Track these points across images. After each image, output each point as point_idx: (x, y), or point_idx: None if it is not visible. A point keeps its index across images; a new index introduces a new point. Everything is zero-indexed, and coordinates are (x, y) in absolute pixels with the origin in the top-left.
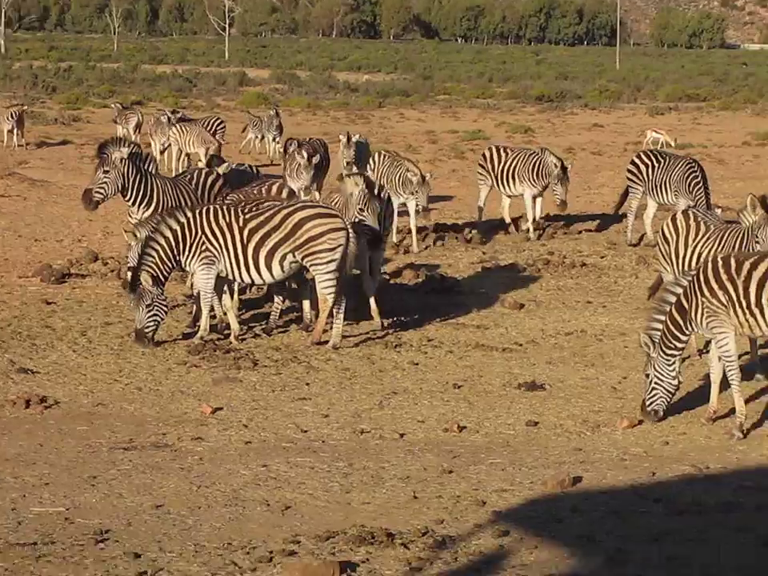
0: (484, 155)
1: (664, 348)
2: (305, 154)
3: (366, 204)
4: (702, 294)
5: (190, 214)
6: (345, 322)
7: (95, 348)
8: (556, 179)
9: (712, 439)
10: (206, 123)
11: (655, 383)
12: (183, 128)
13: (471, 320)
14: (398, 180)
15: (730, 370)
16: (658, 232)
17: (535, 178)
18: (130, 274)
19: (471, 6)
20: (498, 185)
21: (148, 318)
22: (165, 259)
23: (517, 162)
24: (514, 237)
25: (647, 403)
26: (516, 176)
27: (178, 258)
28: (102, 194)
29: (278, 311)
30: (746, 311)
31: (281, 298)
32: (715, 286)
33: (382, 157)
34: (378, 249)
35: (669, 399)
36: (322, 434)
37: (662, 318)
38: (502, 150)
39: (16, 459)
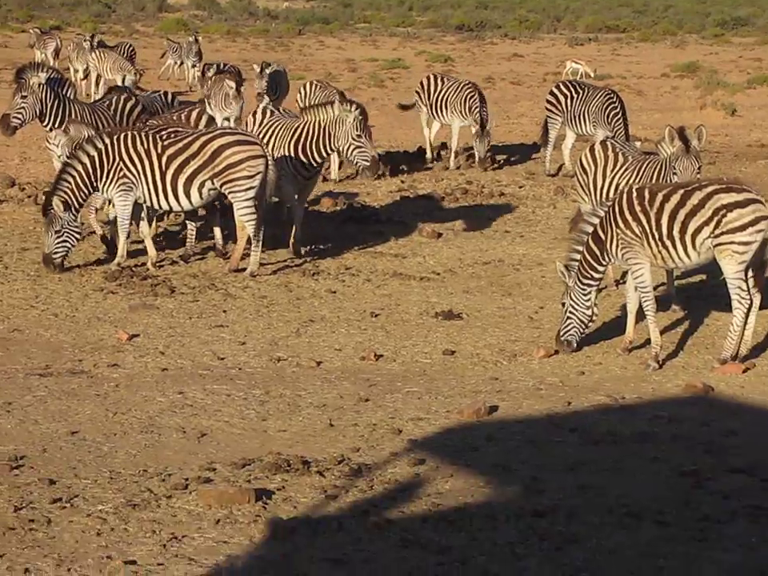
0: (421, 83)
1: (581, 278)
2: (233, 84)
3: (363, 130)
4: (616, 225)
5: (107, 140)
6: (263, 249)
7: (11, 274)
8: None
9: (627, 369)
10: (120, 49)
11: (570, 313)
12: (102, 54)
13: (389, 249)
14: None
15: (645, 301)
16: (576, 162)
17: (467, 110)
18: (44, 198)
19: None
20: (431, 113)
21: (57, 243)
22: (81, 185)
23: (449, 93)
24: (433, 165)
25: (561, 333)
26: (448, 105)
27: (95, 184)
28: (19, 119)
29: (194, 237)
30: (659, 243)
31: (194, 224)
32: (629, 218)
33: (313, 86)
34: (373, 175)
35: (583, 330)
36: (239, 361)
37: (580, 248)
38: (438, 79)
39: None
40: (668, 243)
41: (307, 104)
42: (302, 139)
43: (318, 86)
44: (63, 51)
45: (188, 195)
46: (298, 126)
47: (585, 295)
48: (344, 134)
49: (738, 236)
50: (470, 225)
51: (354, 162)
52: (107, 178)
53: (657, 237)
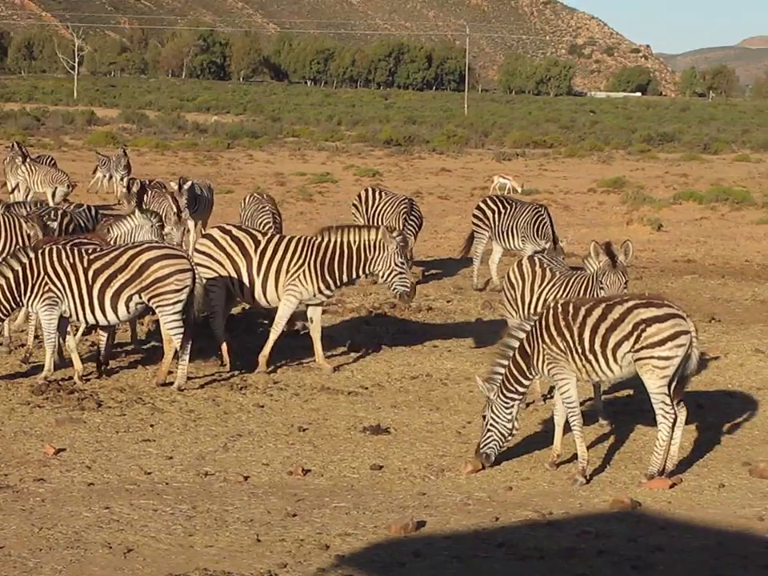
0: (359, 195)
1: (504, 391)
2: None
3: (404, 257)
4: (542, 340)
5: (32, 254)
6: (190, 363)
7: None
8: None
9: (555, 485)
10: (42, 162)
11: (491, 426)
12: (32, 167)
13: (317, 365)
14: (260, 224)
15: (572, 416)
16: (504, 277)
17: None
18: None
19: (321, 50)
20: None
21: None
22: (3, 300)
23: (386, 207)
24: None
25: (481, 446)
26: (384, 221)
27: (18, 298)
28: None
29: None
30: (582, 357)
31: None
32: (554, 332)
33: (251, 198)
34: (410, 301)
35: (503, 443)
36: (166, 476)
37: (505, 362)
38: (376, 193)
39: None
40: (591, 357)
41: (243, 217)
42: (328, 259)
43: (255, 199)
44: None
45: (115, 309)
46: (323, 244)
47: (507, 408)
48: (384, 259)
49: (657, 350)
50: (398, 339)
51: (392, 287)
52: (32, 292)
53: (580, 351)
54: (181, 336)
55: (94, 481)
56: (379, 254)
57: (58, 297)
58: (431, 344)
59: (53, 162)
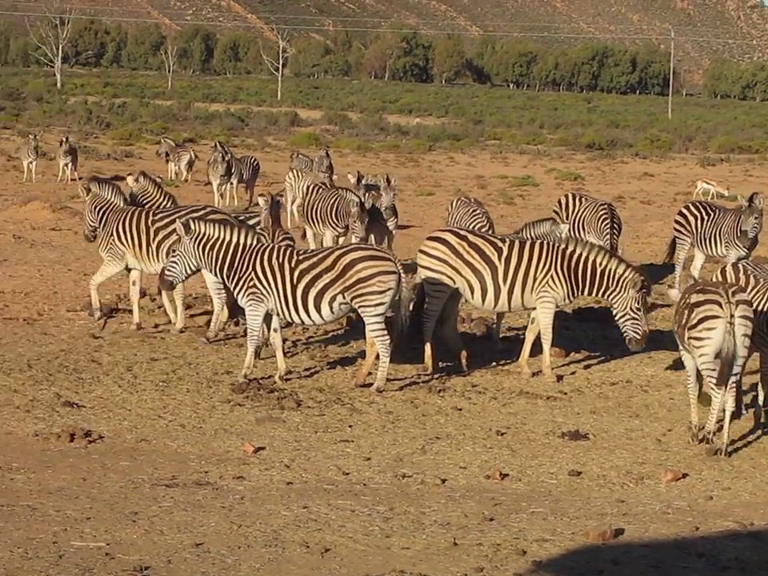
0: (560, 201)
1: None
2: (356, 200)
3: (642, 304)
4: None
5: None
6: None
7: (140, 384)
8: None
9: (757, 495)
10: (245, 163)
11: None
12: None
13: (516, 366)
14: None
15: None
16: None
17: (599, 232)
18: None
19: (524, 53)
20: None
21: (171, 262)
22: (205, 257)
23: (587, 212)
24: None
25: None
26: (585, 226)
27: (210, 265)
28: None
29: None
30: None
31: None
32: None
33: (459, 202)
34: (638, 347)
35: None
36: (364, 477)
37: None
38: (577, 198)
39: (59, 493)
40: None
41: (452, 221)
42: (573, 268)
43: (463, 203)
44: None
45: (318, 309)
46: (571, 254)
47: None
48: (623, 299)
49: None
50: (598, 345)
51: (623, 329)
52: (239, 284)
53: None
54: (383, 338)
55: (293, 480)
56: (619, 291)
57: (263, 294)
58: (632, 350)
59: (256, 162)
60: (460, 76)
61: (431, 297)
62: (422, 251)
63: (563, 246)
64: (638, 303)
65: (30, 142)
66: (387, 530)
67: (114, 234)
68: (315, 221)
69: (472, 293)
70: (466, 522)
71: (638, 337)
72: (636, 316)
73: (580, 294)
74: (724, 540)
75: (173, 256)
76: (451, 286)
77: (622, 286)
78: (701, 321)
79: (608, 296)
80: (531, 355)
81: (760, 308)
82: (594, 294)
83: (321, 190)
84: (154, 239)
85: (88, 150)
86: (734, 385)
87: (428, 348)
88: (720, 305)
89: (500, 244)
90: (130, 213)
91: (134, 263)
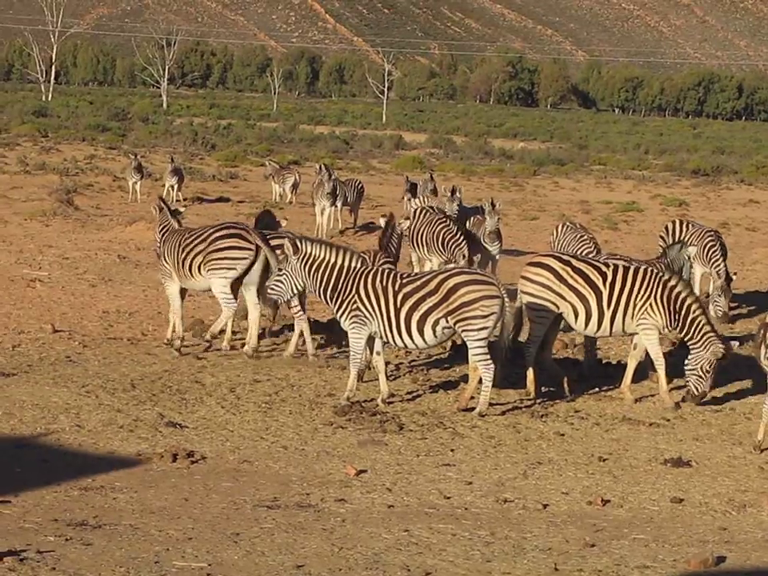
0: (666, 227)
1: None
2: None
3: (710, 364)
4: None
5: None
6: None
7: (243, 405)
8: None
9: None
10: (350, 186)
11: None
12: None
13: (619, 392)
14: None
15: None
16: None
17: (706, 259)
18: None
19: (630, 78)
20: None
21: (275, 281)
22: (312, 278)
23: (692, 239)
24: None
25: None
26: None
27: (317, 289)
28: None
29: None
30: None
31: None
32: None
33: (564, 227)
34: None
35: None
36: (465, 501)
37: None
38: (683, 225)
39: (161, 512)
40: None
41: (558, 246)
42: (672, 299)
43: (569, 228)
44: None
45: (421, 332)
46: (670, 284)
47: None
48: (700, 356)
49: None
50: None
51: (687, 379)
52: (341, 307)
53: None
54: (486, 362)
55: (394, 503)
56: (699, 346)
57: (366, 317)
58: (735, 377)
59: (360, 185)
60: (565, 101)
61: (534, 323)
62: (524, 277)
63: (666, 276)
64: (710, 366)
65: (132, 161)
66: (488, 555)
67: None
68: (420, 246)
69: (576, 318)
70: (567, 548)
71: (696, 394)
72: (703, 376)
73: (672, 327)
74: None
75: (278, 274)
76: (554, 312)
77: (703, 344)
78: None
79: (688, 343)
80: (633, 381)
81: None
82: (680, 334)
83: (428, 213)
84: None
85: (193, 171)
86: None
87: (530, 373)
88: None
89: (604, 269)
90: (170, 232)
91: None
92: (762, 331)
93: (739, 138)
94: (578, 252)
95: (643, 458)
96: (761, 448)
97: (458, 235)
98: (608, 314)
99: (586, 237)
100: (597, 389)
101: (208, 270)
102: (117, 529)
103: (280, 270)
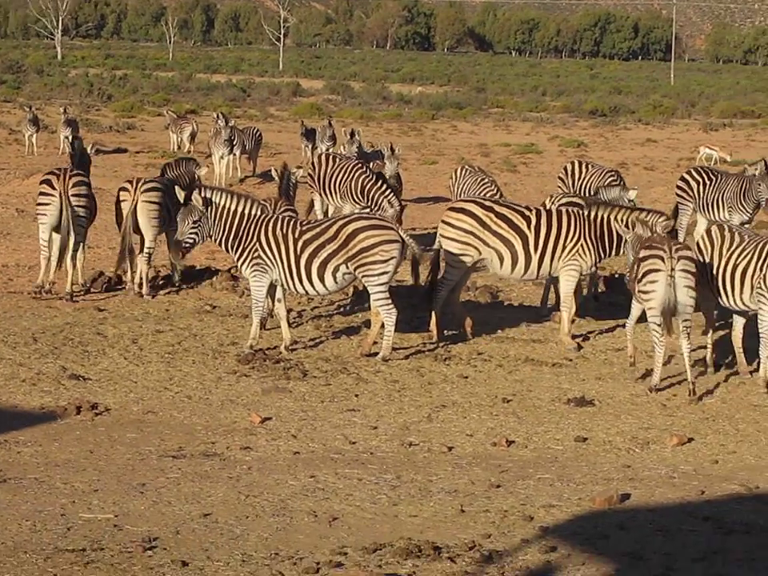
0: (565, 168)
1: None
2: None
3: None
4: None
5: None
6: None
7: (146, 356)
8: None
9: (762, 459)
10: (248, 133)
11: None
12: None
13: (521, 334)
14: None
15: None
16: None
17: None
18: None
19: (526, 20)
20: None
21: (190, 232)
22: (214, 226)
23: (592, 179)
24: None
25: None
26: (591, 192)
27: (217, 235)
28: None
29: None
30: None
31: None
32: None
33: (464, 171)
34: None
35: None
36: (371, 445)
37: None
38: (582, 165)
39: (66, 465)
40: None
41: (458, 190)
42: (599, 233)
43: (468, 172)
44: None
45: (322, 279)
46: (594, 218)
47: None
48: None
49: None
50: (604, 311)
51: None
52: (243, 255)
53: None
54: (388, 307)
55: (300, 449)
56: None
57: (267, 264)
58: None
59: (258, 133)
60: (462, 44)
61: (451, 267)
62: (445, 222)
63: (586, 211)
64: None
65: (27, 114)
66: (394, 498)
67: None
68: (333, 193)
69: (501, 263)
70: (473, 489)
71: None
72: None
73: (609, 256)
74: (729, 503)
75: (193, 226)
76: (474, 258)
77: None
78: (645, 274)
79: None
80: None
81: (746, 261)
82: (617, 252)
83: (341, 160)
84: None
85: (90, 123)
86: (687, 330)
87: (434, 316)
88: (662, 259)
89: (527, 212)
90: None
91: None
92: (635, 266)
93: (636, 77)
94: (481, 195)
95: (547, 399)
96: (656, 388)
97: (382, 184)
98: (535, 258)
99: (486, 180)
100: (499, 331)
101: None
102: (22, 483)
103: (194, 220)
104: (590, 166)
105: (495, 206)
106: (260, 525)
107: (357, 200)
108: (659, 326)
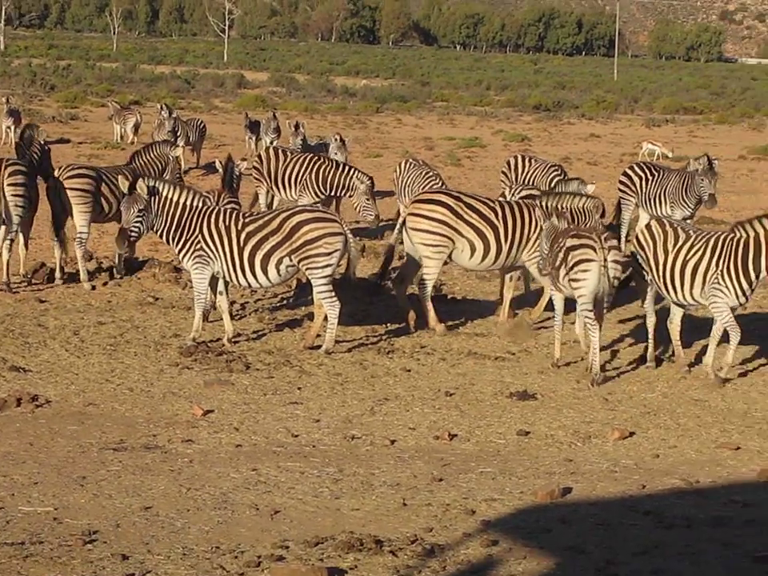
0: (508, 162)
1: None
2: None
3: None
4: None
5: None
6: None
7: (87, 348)
8: None
9: (703, 453)
10: (192, 125)
11: None
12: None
13: (464, 328)
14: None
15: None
16: (632, 240)
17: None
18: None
19: (471, 14)
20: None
21: (135, 221)
22: (156, 217)
23: (536, 173)
24: None
25: None
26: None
27: (159, 227)
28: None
29: None
30: None
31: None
32: None
33: (408, 164)
34: None
35: None
36: (313, 438)
37: None
38: (525, 160)
39: (5, 458)
40: None
41: (402, 183)
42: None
43: (413, 165)
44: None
45: (265, 272)
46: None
47: None
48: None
49: None
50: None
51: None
52: (185, 247)
53: None
54: (331, 300)
55: (242, 442)
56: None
57: (209, 256)
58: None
59: (202, 125)
60: (407, 38)
61: (429, 259)
62: (416, 214)
63: (538, 201)
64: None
65: None
66: (337, 492)
67: None
68: (288, 186)
69: (472, 253)
70: (415, 483)
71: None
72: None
73: None
74: (670, 498)
75: (137, 215)
76: (449, 247)
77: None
78: (576, 263)
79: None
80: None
81: (697, 256)
82: None
83: (291, 153)
84: None
85: (32, 113)
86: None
87: (430, 309)
88: (594, 249)
89: (492, 204)
90: None
91: None
92: (561, 255)
93: (579, 73)
94: (426, 188)
95: (489, 392)
96: (597, 382)
97: (343, 167)
98: (505, 248)
99: (431, 173)
100: (443, 324)
101: None
102: None
103: (138, 209)
104: (533, 161)
105: (462, 196)
106: (201, 518)
107: (318, 192)
108: (591, 311)
